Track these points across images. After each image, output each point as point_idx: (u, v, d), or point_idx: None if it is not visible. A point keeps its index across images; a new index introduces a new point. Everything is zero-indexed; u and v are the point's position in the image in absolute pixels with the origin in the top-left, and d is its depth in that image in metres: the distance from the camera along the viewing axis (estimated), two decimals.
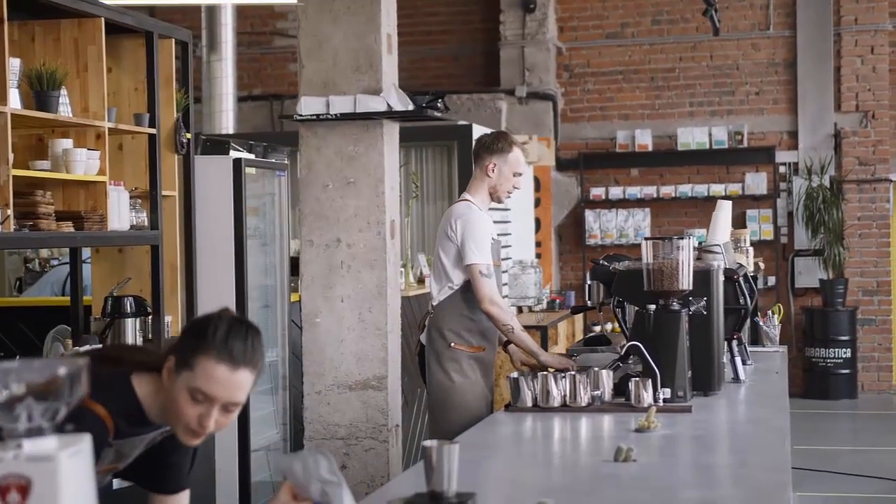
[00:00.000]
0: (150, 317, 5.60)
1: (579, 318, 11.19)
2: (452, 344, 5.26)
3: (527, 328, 9.44)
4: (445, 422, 5.17)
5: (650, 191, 12.90)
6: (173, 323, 5.87)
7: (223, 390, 2.55)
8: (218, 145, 6.53)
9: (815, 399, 12.22)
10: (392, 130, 6.28)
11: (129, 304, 5.46)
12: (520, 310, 10.72)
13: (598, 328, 12.54)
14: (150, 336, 5.62)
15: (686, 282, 4.40)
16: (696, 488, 3.13)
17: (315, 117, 6.08)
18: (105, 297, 5.53)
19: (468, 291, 5.27)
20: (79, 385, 1.79)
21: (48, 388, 1.75)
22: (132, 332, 5.45)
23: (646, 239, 4.46)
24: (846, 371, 12.34)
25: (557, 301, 11.15)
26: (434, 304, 5.38)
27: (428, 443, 2.71)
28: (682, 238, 4.42)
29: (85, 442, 1.78)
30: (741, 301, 5.05)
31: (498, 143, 5.39)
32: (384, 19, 6.21)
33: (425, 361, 5.39)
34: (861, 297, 12.65)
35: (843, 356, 12.31)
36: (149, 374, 2.69)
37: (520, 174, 5.42)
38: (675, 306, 4.41)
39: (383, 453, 5.66)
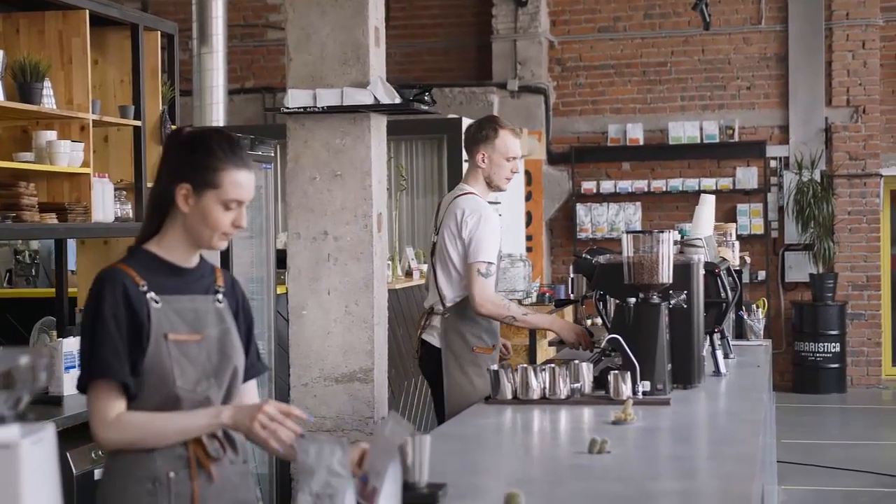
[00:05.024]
0: None
1: (569, 311, 11.22)
2: (474, 348, 5.15)
3: None
4: None
5: (641, 185, 12.93)
6: None
7: (248, 192, 2.87)
8: None
9: (805, 393, 12.25)
10: (379, 123, 6.29)
11: None
12: None
13: (589, 321, 12.57)
14: None
15: (666, 275, 4.41)
16: (664, 479, 3.15)
17: (302, 110, 6.09)
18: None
19: None
20: (40, 374, 1.81)
21: (9, 377, 1.77)
22: None
23: (626, 232, 4.47)
24: (835, 365, 12.38)
25: (548, 294, 11.16)
26: (447, 304, 5.20)
27: None
28: (663, 232, 4.44)
29: (48, 430, 1.80)
30: (722, 295, 5.06)
31: (482, 130, 5.24)
32: (372, 12, 6.22)
33: (443, 364, 5.20)
34: (851, 291, 12.68)
35: (833, 350, 12.34)
36: (155, 234, 2.89)
37: (514, 158, 5.24)
38: (655, 300, 4.43)
39: None
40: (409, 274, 7.87)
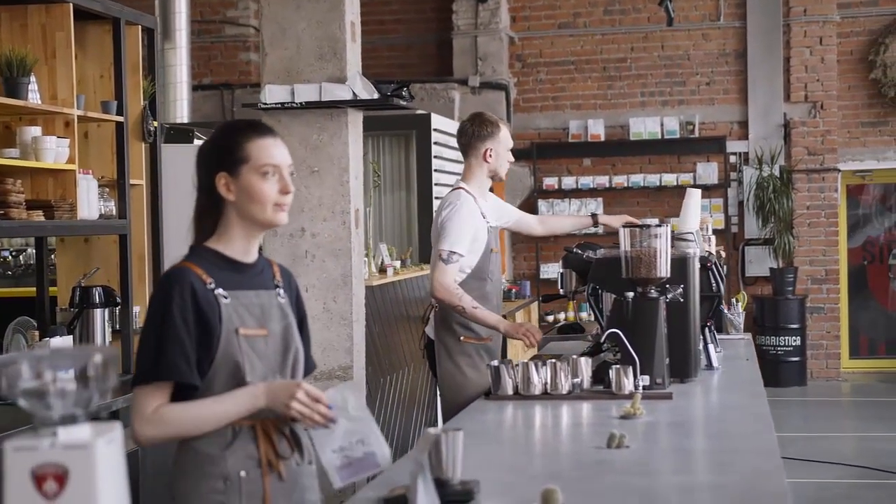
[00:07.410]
0: (118, 307, 5.53)
1: (535, 307, 11.23)
2: (462, 338, 5.21)
3: None
4: None
5: (603, 180, 12.97)
6: (142, 313, 5.79)
7: (280, 155, 2.88)
8: (181, 134, 6.47)
9: (766, 386, 12.19)
10: (356, 119, 6.26)
11: (97, 295, 5.38)
12: None
13: (550, 318, 12.60)
14: (118, 327, 5.54)
15: (664, 269, 4.41)
16: (691, 473, 3.15)
17: (280, 106, 6.03)
18: (73, 287, 5.44)
19: (470, 282, 5.19)
20: (112, 372, 1.77)
21: (83, 376, 1.73)
22: (101, 322, 5.37)
23: (624, 226, 4.46)
24: (796, 359, 12.49)
25: (513, 291, 11.18)
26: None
27: (433, 430, 2.71)
28: (660, 226, 4.43)
29: (117, 430, 1.76)
30: (714, 288, 5.08)
31: (486, 128, 5.37)
32: (348, 7, 6.18)
33: (435, 355, 5.29)
34: (810, 285, 12.80)
35: (793, 344, 12.45)
36: (212, 235, 2.89)
37: (511, 147, 5.49)
38: (653, 294, 4.42)
39: None
40: (383, 270, 7.82)
